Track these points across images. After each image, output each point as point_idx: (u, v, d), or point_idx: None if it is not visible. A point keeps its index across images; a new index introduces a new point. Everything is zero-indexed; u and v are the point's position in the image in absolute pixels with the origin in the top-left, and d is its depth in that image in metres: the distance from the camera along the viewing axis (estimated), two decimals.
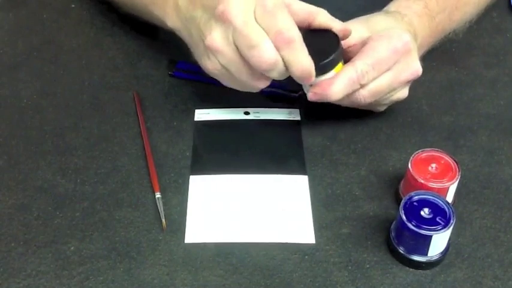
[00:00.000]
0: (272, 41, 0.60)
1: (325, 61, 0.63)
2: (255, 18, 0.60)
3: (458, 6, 0.76)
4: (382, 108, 0.71)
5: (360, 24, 0.67)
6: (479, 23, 0.82)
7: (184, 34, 0.68)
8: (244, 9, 0.60)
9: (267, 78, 0.64)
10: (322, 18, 0.64)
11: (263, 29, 0.60)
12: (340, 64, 0.65)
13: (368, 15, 0.70)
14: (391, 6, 0.72)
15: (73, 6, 0.90)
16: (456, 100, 0.77)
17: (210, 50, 0.63)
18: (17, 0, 0.91)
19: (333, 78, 0.64)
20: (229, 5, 0.60)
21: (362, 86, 0.65)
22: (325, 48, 0.64)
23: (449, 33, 0.77)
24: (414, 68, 0.67)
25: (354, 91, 0.65)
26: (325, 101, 0.65)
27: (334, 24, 0.64)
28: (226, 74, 0.64)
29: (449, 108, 0.76)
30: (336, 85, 0.64)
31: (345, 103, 0.68)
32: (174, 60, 0.81)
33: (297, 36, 0.60)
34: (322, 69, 0.64)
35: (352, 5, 0.74)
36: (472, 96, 0.78)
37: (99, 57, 0.82)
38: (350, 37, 0.66)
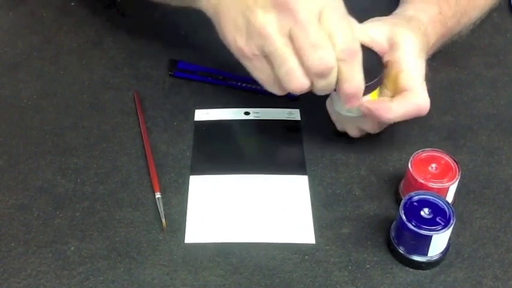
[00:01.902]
0: (336, 49, 0.57)
1: (371, 83, 0.62)
2: (321, 19, 0.57)
3: (467, 10, 0.76)
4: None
5: (383, 25, 0.66)
6: (480, 24, 0.82)
7: (213, 1, 0.63)
8: (310, 6, 0.57)
9: (303, 84, 0.60)
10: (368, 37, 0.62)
11: (327, 33, 0.57)
12: (378, 89, 0.64)
13: (389, 19, 0.69)
14: (407, 9, 0.71)
15: (72, 4, 0.90)
16: (456, 100, 0.77)
17: (257, 33, 0.58)
18: None
19: (391, 103, 0.63)
20: None
21: None
22: (368, 68, 0.61)
23: (455, 36, 0.77)
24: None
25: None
26: (375, 117, 0.64)
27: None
28: (262, 63, 0.60)
29: (449, 108, 0.76)
30: (395, 111, 0.63)
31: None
32: (174, 60, 0.81)
33: (360, 51, 0.59)
34: (365, 90, 0.62)
35: (353, 4, 0.73)
36: (472, 96, 0.78)
37: (99, 57, 0.82)
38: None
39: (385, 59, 0.65)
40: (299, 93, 0.61)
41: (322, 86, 0.60)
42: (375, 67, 0.63)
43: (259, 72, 0.62)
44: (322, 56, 0.57)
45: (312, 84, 0.60)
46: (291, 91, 0.61)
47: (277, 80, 0.60)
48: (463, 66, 0.81)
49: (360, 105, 0.63)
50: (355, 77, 0.59)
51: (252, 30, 0.58)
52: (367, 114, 0.64)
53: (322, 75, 0.58)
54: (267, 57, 0.59)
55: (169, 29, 0.86)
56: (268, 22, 0.57)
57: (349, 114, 0.66)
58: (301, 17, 0.56)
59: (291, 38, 0.58)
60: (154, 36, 0.85)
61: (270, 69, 0.60)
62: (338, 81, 0.60)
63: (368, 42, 0.63)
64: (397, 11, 0.72)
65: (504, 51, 0.84)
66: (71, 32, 0.86)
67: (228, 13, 0.60)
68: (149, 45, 0.83)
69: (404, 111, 0.63)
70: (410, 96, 0.63)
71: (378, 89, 0.64)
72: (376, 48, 0.64)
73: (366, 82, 0.61)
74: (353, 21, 0.61)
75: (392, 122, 0.65)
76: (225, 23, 0.61)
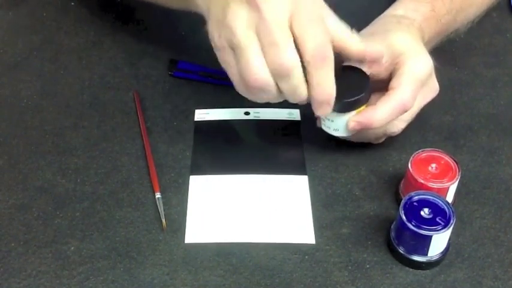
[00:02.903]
0: (305, 54, 0.57)
1: (350, 99, 0.61)
2: (292, 22, 0.57)
3: (463, 7, 0.76)
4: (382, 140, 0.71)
5: (378, 43, 0.66)
6: (480, 23, 0.82)
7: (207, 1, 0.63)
8: (279, 6, 0.57)
9: (261, 79, 0.59)
10: (355, 44, 0.61)
11: (296, 35, 0.57)
12: (363, 106, 0.63)
13: (381, 26, 0.69)
14: (398, 8, 0.72)
15: (72, 4, 0.90)
16: (456, 100, 0.77)
17: (226, 26, 0.58)
18: None
19: (376, 106, 0.63)
20: None
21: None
22: (353, 86, 0.61)
23: (451, 33, 0.77)
24: (435, 87, 0.67)
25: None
26: (365, 129, 0.64)
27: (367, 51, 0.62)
28: (229, 56, 0.60)
29: (449, 108, 0.76)
30: (380, 112, 0.62)
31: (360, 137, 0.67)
32: (174, 60, 0.81)
33: (331, 56, 0.58)
34: (345, 107, 0.62)
35: (350, 3, 0.73)
36: (472, 96, 0.78)
37: (99, 57, 0.82)
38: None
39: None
40: (259, 91, 0.60)
41: (285, 89, 0.59)
42: (361, 84, 0.63)
43: (227, 65, 0.61)
44: (281, 55, 0.56)
45: (277, 85, 0.59)
46: (250, 87, 0.60)
47: (240, 75, 0.60)
48: (463, 66, 0.81)
49: (347, 123, 0.63)
50: (325, 83, 0.58)
51: (223, 23, 0.58)
52: (357, 129, 0.64)
53: (281, 75, 0.58)
54: (233, 50, 0.59)
55: (169, 29, 0.86)
56: (238, 16, 0.57)
57: (335, 133, 0.66)
58: (266, 15, 0.56)
59: (257, 35, 0.57)
60: (154, 36, 0.85)
61: (235, 63, 0.60)
62: (309, 87, 0.59)
63: (362, 51, 0.62)
64: (387, 11, 0.72)
65: (504, 51, 0.84)
66: (71, 32, 0.86)
67: (215, 9, 0.61)
68: (149, 45, 0.83)
69: (390, 110, 0.63)
70: (394, 94, 0.63)
71: (363, 107, 0.64)
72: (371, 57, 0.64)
73: (346, 98, 0.61)
74: (330, 21, 0.60)
75: (383, 125, 0.64)
76: (211, 19, 0.62)
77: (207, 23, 0.63)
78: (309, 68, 0.58)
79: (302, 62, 0.58)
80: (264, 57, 0.58)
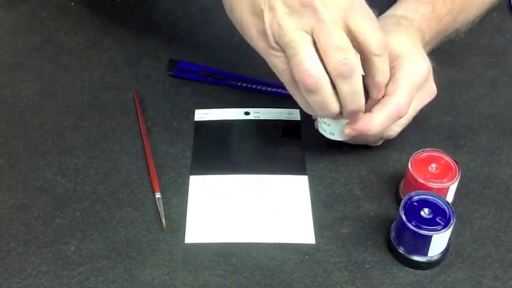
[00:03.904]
0: (370, 46, 0.58)
1: None
2: (348, 20, 0.58)
3: (464, 7, 0.76)
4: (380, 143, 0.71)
5: None
6: (480, 23, 0.82)
7: None
8: (334, 7, 0.58)
9: (315, 78, 0.58)
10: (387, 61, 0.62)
11: (355, 31, 0.58)
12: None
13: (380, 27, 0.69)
14: (398, 9, 0.72)
15: (72, 4, 0.90)
16: (456, 100, 0.77)
17: (276, 24, 0.58)
18: None
19: (372, 113, 0.63)
20: None
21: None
22: None
23: (452, 33, 0.77)
24: (433, 90, 0.67)
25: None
26: (361, 134, 0.64)
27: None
28: (278, 54, 0.60)
29: (449, 108, 0.76)
30: (376, 119, 0.63)
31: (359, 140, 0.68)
32: (174, 60, 0.81)
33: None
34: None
35: None
36: (472, 96, 0.78)
37: (99, 57, 0.82)
38: None
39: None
40: (310, 90, 0.59)
41: (346, 90, 0.59)
42: None
43: (276, 61, 0.61)
44: (347, 58, 0.57)
45: (336, 87, 0.59)
46: (300, 84, 0.60)
47: (291, 72, 0.60)
48: (463, 66, 0.81)
49: (343, 128, 0.64)
50: (386, 69, 0.61)
51: (271, 20, 0.58)
52: (354, 135, 0.64)
53: (345, 75, 0.58)
54: (283, 48, 0.59)
55: (169, 29, 0.86)
56: (290, 15, 0.58)
57: (331, 137, 0.66)
58: (325, 17, 0.57)
59: (314, 36, 0.58)
60: (154, 36, 0.85)
61: (285, 60, 0.60)
62: (371, 75, 0.60)
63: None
64: (388, 12, 0.72)
65: (504, 51, 0.84)
66: (71, 32, 0.86)
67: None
68: (149, 45, 0.83)
69: (386, 117, 0.63)
70: (389, 100, 0.63)
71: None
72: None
73: None
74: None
75: (379, 131, 0.64)
76: (239, 6, 0.61)
77: (230, 7, 0.62)
78: (375, 59, 0.59)
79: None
80: (324, 59, 0.58)
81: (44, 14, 0.88)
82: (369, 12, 0.60)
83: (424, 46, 0.69)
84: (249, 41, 0.62)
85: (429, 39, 0.71)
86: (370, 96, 0.63)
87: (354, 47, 0.58)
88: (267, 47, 0.60)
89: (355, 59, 0.58)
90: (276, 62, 0.61)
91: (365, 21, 0.59)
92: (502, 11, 0.90)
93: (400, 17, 0.70)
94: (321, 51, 0.58)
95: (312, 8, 0.57)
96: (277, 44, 0.59)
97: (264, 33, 0.59)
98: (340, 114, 0.62)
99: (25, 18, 0.88)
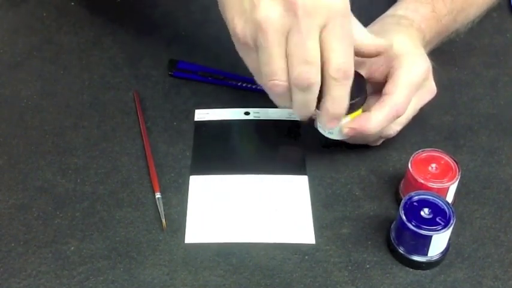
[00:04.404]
0: (330, 69, 0.57)
1: (350, 102, 0.61)
2: (324, 32, 0.56)
3: (464, 7, 0.76)
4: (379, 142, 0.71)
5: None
6: (480, 23, 0.82)
7: None
8: (317, 16, 0.56)
9: (279, 87, 0.59)
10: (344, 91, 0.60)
11: (324, 47, 0.57)
12: (360, 110, 0.63)
13: (380, 27, 0.69)
14: (398, 9, 0.72)
15: (72, 4, 0.90)
16: (456, 100, 0.77)
17: (256, 23, 0.57)
18: None
19: (370, 112, 0.63)
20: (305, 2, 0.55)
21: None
22: (351, 89, 0.61)
23: (452, 33, 0.77)
24: (432, 89, 0.67)
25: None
26: (360, 134, 0.64)
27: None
28: (252, 53, 0.59)
29: (449, 108, 0.76)
30: (375, 119, 0.63)
31: (358, 139, 0.67)
32: (174, 60, 0.81)
33: (353, 74, 0.59)
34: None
35: (351, 3, 0.73)
36: (472, 96, 0.78)
37: (99, 57, 0.82)
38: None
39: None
40: (276, 95, 0.60)
41: (299, 100, 0.59)
42: (358, 87, 0.62)
43: (247, 60, 0.61)
44: (308, 72, 0.57)
45: (292, 94, 0.59)
46: (267, 88, 0.60)
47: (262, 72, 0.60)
48: (463, 66, 0.81)
49: (342, 128, 0.63)
50: (342, 98, 0.59)
51: (252, 18, 0.57)
52: (352, 135, 0.64)
53: (302, 88, 0.58)
54: (258, 49, 0.58)
55: (169, 29, 0.86)
56: (271, 17, 0.56)
57: (330, 136, 0.66)
58: (302, 24, 0.55)
59: (287, 39, 0.57)
60: (154, 36, 0.85)
61: (257, 60, 0.59)
62: (323, 99, 0.59)
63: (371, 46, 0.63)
64: (388, 12, 0.72)
65: (504, 51, 0.84)
66: (71, 32, 0.86)
67: None
68: (149, 45, 0.83)
69: (384, 117, 0.63)
70: (388, 100, 0.63)
71: (359, 111, 0.64)
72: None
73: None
74: (358, 29, 0.62)
75: (378, 131, 0.64)
76: (229, 2, 0.60)
77: (224, 7, 0.61)
78: (330, 82, 0.58)
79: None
80: (289, 64, 0.57)
81: (44, 14, 0.89)
82: (347, 28, 0.58)
83: (424, 46, 0.69)
84: (232, 38, 0.61)
85: (429, 39, 0.71)
86: (319, 122, 0.63)
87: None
88: (245, 47, 0.59)
89: (316, 75, 0.57)
90: (251, 63, 0.61)
91: (338, 39, 0.57)
92: (502, 11, 0.90)
93: (400, 17, 0.70)
94: (287, 55, 0.57)
95: (293, 11, 0.55)
96: (254, 42, 0.58)
97: (243, 32, 0.58)
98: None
99: (25, 18, 0.88)
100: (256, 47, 0.58)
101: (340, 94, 0.59)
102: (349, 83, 0.58)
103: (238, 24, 0.59)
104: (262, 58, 0.58)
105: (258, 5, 0.56)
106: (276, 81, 0.58)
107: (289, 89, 0.59)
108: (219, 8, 0.62)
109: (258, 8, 0.56)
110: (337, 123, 0.62)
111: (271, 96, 0.62)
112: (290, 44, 0.57)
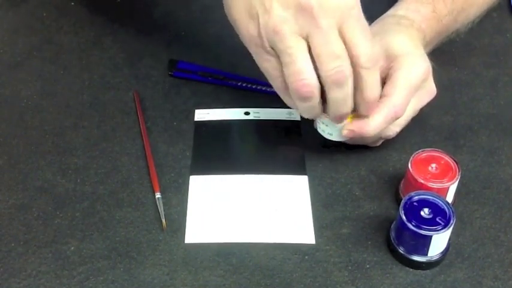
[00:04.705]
0: (360, 58, 0.58)
1: None
2: (343, 29, 0.57)
3: (464, 7, 0.76)
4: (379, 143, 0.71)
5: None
6: (480, 23, 0.82)
7: None
8: (332, 14, 0.57)
9: (308, 87, 0.59)
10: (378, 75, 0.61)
11: (348, 40, 0.58)
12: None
13: (380, 27, 0.69)
14: (398, 9, 0.72)
15: (72, 4, 0.90)
16: (456, 100, 0.77)
17: (271, 28, 0.57)
18: None
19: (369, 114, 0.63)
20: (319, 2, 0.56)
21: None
22: None
23: (452, 33, 0.77)
24: (432, 90, 0.67)
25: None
26: (359, 136, 0.64)
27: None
28: (272, 58, 0.60)
29: (449, 108, 0.76)
30: (374, 121, 0.63)
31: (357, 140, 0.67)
32: (174, 60, 0.81)
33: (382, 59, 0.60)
34: None
35: None
36: (472, 96, 0.78)
37: (99, 57, 0.82)
38: None
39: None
40: (303, 98, 0.60)
41: (338, 97, 0.59)
42: None
43: (268, 65, 0.61)
44: (341, 65, 0.57)
45: (327, 93, 0.59)
46: (294, 93, 0.60)
47: (284, 79, 0.60)
48: (463, 66, 0.81)
49: (341, 130, 0.64)
50: (377, 83, 0.60)
51: (266, 23, 0.57)
52: (352, 136, 0.64)
53: (339, 83, 0.58)
54: (278, 53, 0.59)
55: (169, 29, 0.86)
56: (286, 20, 0.57)
57: (330, 137, 0.66)
58: (322, 23, 0.56)
59: (309, 42, 0.57)
60: (154, 36, 0.85)
61: (278, 66, 0.60)
62: (359, 90, 0.60)
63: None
64: (389, 12, 0.72)
65: (504, 51, 0.84)
66: (71, 32, 0.86)
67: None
68: (149, 45, 0.83)
69: (383, 119, 0.63)
70: (387, 102, 0.63)
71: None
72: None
73: None
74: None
75: (377, 132, 0.64)
76: (237, 5, 0.60)
77: (228, 7, 0.61)
78: (364, 73, 0.59)
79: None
80: (318, 65, 0.58)
81: (44, 14, 0.88)
82: (364, 22, 0.59)
83: (425, 46, 0.69)
84: (243, 42, 0.62)
85: (430, 39, 0.71)
86: (358, 112, 0.63)
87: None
88: (261, 51, 0.60)
89: (348, 67, 0.58)
90: (268, 67, 0.61)
91: (359, 32, 0.58)
92: (502, 11, 0.90)
93: (400, 17, 0.70)
94: (315, 57, 0.57)
95: (309, 13, 0.56)
96: (271, 48, 0.59)
97: (258, 37, 0.59)
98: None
99: (25, 18, 0.88)
100: (274, 51, 0.59)
101: (375, 80, 0.60)
102: (378, 68, 0.60)
103: (250, 29, 0.59)
104: (285, 61, 0.58)
105: (270, 9, 0.57)
106: (306, 81, 0.58)
107: (318, 90, 0.59)
108: (225, 10, 0.62)
109: (271, 12, 0.57)
110: (374, 108, 0.62)
111: (297, 100, 0.61)
112: (314, 45, 0.57)
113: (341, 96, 0.59)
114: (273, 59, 0.60)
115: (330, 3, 0.56)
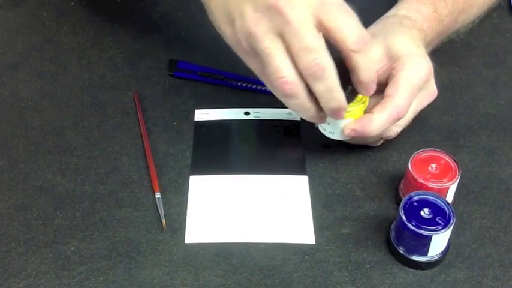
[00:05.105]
0: (347, 43, 0.57)
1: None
2: (318, 18, 0.57)
3: (465, 8, 0.76)
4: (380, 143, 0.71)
5: (378, 46, 0.66)
6: (480, 23, 0.82)
7: None
8: (302, 7, 0.56)
9: (290, 84, 0.59)
10: (369, 56, 0.60)
11: (329, 28, 0.57)
12: (361, 111, 0.64)
13: (382, 27, 0.69)
14: (400, 9, 0.72)
15: (72, 4, 0.90)
16: (456, 100, 0.77)
17: (246, 31, 0.58)
18: None
19: (372, 114, 0.63)
20: None
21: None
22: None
23: (452, 33, 0.77)
24: (434, 91, 0.67)
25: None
26: (361, 135, 0.64)
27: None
28: (253, 58, 0.60)
29: (449, 108, 0.76)
30: (377, 121, 0.63)
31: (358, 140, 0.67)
32: (174, 60, 0.81)
33: (370, 39, 0.59)
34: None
35: (351, 3, 0.73)
36: (472, 96, 0.78)
37: (99, 57, 0.82)
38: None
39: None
40: (286, 95, 0.60)
41: (321, 90, 0.59)
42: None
43: (253, 66, 0.62)
44: (315, 58, 0.57)
45: (311, 87, 0.59)
46: (277, 92, 0.60)
47: (269, 79, 0.60)
48: (463, 66, 0.81)
49: (343, 129, 0.63)
50: (371, 64, 0.59)
51: (242, 27, 0.58)
52: (354, 136, 0.64)
53: (316, 77, 0.58)
54: (258, 55, 0.59)
55: (169, 29, 0.86)
56: (258, 21, 0.57)
57: (331, 136, 0.66)
58: (292, 18, 0.56)
59: (283, 39, 0.57)
60: (154, 36, 0.85)
61: (260, 66, 0.60)
62: (354, 73, 0.59)
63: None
64: (391, 12, 0.72)
65: (504, 51, 0.84)
66: (71, 32, 0.86)
67: (220, 2, 0.61)
68: (149, 45, 0.83)
69: (385, 119, 0.63)
70: (389, 103, 0.63)
71: (359, 109, 0.64)
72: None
73: None
74: None
75: (379, 132, 0.64)
76: (216, 13, 0.61)
77: (210, 14, 0.63)
78: (354, 56, 0.58)
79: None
80: (295, 61, 0.57)
81: (44, 14, 0.88)
82: (346, 7, 0.58)
83: (425, 47, 0.69)
84: (230, 46, 0.63)
85: (430, 40, 0.71)
86: (360, 94, 0.62)
87: (332, 44, 0.58)
88: (245, 54, 0.61)
89: (326, 58, 0.57)
90: (254, 68, 0.61)
91: (340, 17, 0.57)
92: (502, 11, 0.90)
93: (402, 17, 0.70)
94: (291, 53, 0.57)
95: (278, 10, 0.56)
96: (252, 49, 0.59)
97: (238, 41, 0.60)
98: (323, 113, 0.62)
99: (25, 18, 0.88)
100: (255, 53, 0.59)
101: (367, 61, 0.59)
102: (369, 48, 0.59)
103: (231, 34, 0.60)
104: (264, 61, 0.59)
105: (243, 12, 0.58)
106: (284, 79, 0.58)
107: (300, 86, 0.59)
108: (209, 17, 0.64)
109: (244, 15, 0.58)
110: (373, 90, 0.61)
111: (283, 99, 0.61)
112: (287, 41, 0.57)
113: (324, 89, 0.58)
114: (256, 60, 0.60)
115: None
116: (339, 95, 0.59)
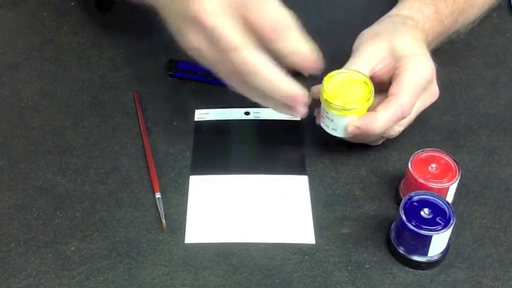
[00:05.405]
0: (264, 30, 0.56)
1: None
2: (239, 14, 0.56)
3: (465, 8, 0.76)
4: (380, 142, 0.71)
5: (382, 45, 0.66)
6: (480, 23, 0.82)
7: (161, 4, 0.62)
8: (217, 8, 0.56)
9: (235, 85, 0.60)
10: (292, 38, 0.57)
11: (249, 20, 0.56)
12: (365, 109, 0.64)
13: (385, 26, 0.69)
14: (401, 8, 0.72)
15: (72, 4, 0.90)
16: (456, 100, 0.77)
17: (191, 51, 0.59)
18: None
19: (376, 112, 0.63)
20: (202, 4, 0.56)
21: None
22: None
23: (452, 34, 0.77)
24: (435, 92, 0.67)
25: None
26: (365, 133, 0.64)
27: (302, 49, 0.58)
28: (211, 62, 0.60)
29: (449, 108, 0.76)
30: (381, 119, 0.63)
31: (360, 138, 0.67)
32: (174, 60, 0.81)
33: (293, 22, 0.56)
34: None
35: (351, 3, 0.73)
36: (472, 96, 0.78)
37: (99, 57, 0.82)
38: (375, 63, 0.65)
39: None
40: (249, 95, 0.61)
41: (260, 84, 0.58)
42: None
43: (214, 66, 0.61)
44: (237, 56, 0.56)
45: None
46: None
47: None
48: (463, 66, 0.81)
49: (347, 126, 0.63)
50: (300, 46, 0.57)
51: (182, 44, 0.60)
52: (357, 133, 0.64)
53: (250, 72, 0.57)
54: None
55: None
56: (191, 37, 0.58)
57: (333, 133, 0.66)
58: (207, 25, 0.56)
59: (214, 47, 0.57)
60: (154, 36, 0.85)
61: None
62: (283, 58, 0.57)
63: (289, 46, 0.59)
64: (393, 11, 0.72)
65: (504, 51, 0.84)
66: (71, 32, 0.86)
67: (166, 16, 0.61)
68: (149, 45, 0.83)
69: (389, 117, 0.63)
70: (393, 101, 0.63)
71: (363, 107, 0.63)
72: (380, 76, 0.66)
73: None
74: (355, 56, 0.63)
75: (382, 130, 0.64)
76: (167, 23, 0.62)
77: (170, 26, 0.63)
78: (275, 44, 0.57)
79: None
80: (231, 63, 0.57)
81: (44, 14, 0.88)
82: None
83: (428, 44, 0.69)
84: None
85: (431, 40, 0.71)
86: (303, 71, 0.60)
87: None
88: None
89: (251, 53, 0.56)
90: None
91: (256, 6, 0.56)
92: (502, 11, 0.90)
93: (405, 17, 0.70)
94: (224, 57, 0.58)
95: (199, 21, 0.56)
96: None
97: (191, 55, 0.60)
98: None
99: (25, 18, 0.88)
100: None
101: (292, 45, 0.57)
102: (293, 31, 0.56)
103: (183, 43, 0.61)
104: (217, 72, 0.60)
105: (181, 33, 0.59)
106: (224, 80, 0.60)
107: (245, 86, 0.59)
108: None
109: (182, 36, 0.59)
110: (318, 66, 0.58)
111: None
112: (217, 48, 0.57)
113: (262, 82, 0.58)
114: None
115: (210, 3, 0.56)
116: (282, 82, 0.58)
